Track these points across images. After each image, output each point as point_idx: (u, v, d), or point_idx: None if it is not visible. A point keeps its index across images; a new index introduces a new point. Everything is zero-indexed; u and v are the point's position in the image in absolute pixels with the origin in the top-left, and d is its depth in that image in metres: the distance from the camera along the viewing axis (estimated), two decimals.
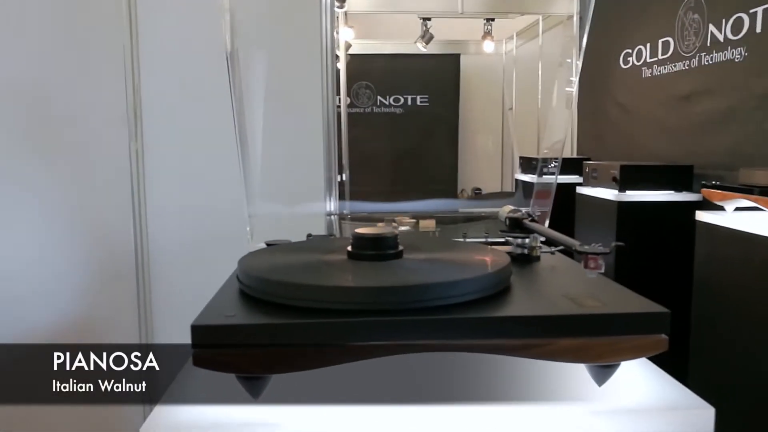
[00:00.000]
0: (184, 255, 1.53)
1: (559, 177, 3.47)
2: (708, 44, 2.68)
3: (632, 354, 0.70)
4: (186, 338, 0.86)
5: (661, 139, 3.08)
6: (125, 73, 1.48)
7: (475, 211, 1.18)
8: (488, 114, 5.22)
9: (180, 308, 1.54)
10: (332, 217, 1.27)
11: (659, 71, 3.06)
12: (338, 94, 4.28)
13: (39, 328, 1.45)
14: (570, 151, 3.78)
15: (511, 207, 0.99)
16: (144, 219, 1.48)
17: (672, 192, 2.68)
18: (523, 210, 0.97)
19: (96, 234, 1.51)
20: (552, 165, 1.32)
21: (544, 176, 3.47)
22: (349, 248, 0.83)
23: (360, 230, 0.84)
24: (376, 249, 0.81)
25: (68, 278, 1.52)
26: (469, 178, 5.20)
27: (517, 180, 3.72)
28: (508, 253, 0.97)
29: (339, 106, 4.22)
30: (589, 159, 3.63)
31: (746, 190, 1.90)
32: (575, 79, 1.16)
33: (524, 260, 0.94)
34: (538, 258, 0.94)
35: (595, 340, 0.69)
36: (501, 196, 4.53)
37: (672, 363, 2.25)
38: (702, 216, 1.99)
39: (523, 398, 0.73)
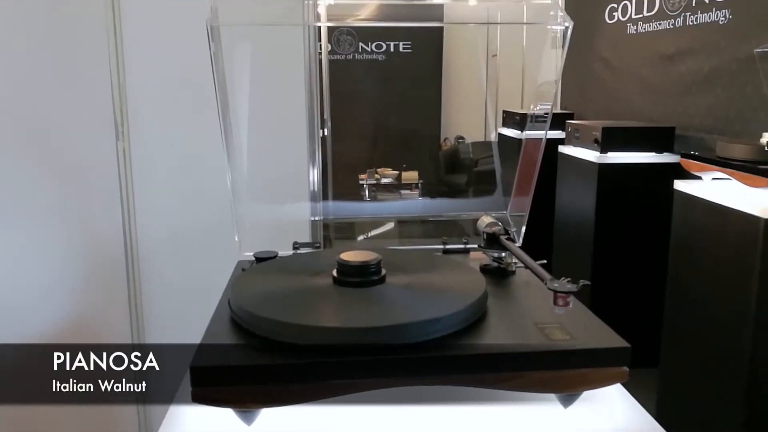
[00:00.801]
0: (173, 252, 1.56)
1: (540, 132, 3.46)
2: (693, 4, 2.67)
3: (596, 384, 0.76)
4: (179, 337, 0.91)
5: (643, 98, 3.10)
6: (110, 73, 1.46)
7: (455, 215, 1.21)
8: (472, 60, 5.16)
9: (171, 306, 1.57)
10: (317, 221, 1.30)
11: (644, 28, 3.05)
12: (319, 40, 4.20)
13: (30, 329, 1.48)
14: (553, 105, 3.79)
15: (489, 220, 1.03)
16: (133, 218, 1.50)
17: (653, 154, 2.72)
18: (501, 225, 1.01)
19: (85, 235, 1.52)
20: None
21: (530, 131, 3.46)
22: (335, 273, 0.87)
23: (345, 256, 0.87)
24: (360, 276, 0.86)
25: (58, 279, 1.54)
26: (453, 126, 5.19)
27: (499, 134, 3.74)
28: (485, 266, 1.02)
29: (320, 53, 4.15)
30: (571, 114, 3.64)
31: (722, 163, 1.95)
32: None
33: (500, 274, 0.99)
34: (513, 272, 0.99)
35: (562, 373, 0.75)
36: (483, 146, 4.54)
37: (648, 322, 2.34)
38: (680, 185, 2.03)
39: (482, 413, 0.79)
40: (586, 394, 0.78)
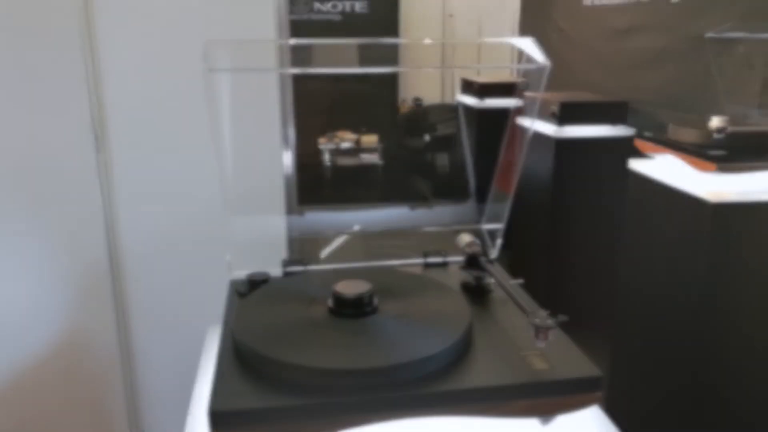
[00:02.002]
0: (158, 264, 1.56)
1: (499, 101, 3.51)
2: None
3: (573, 408, 0.85)
4: (166, 349, 0.95)
5: (597, 71, 3.19)
6: (88, 85, 1.43)
7: (431, 229, 1.27)
8: (429, 21, 5.16)
9: (158, 316, 1.59)
10: (296, 236, 1.34)
11: (600, 1, 3.11)
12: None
13: (21, 349, 1.49)
14: (511, 73, 3.85)
15: (468, 239, 1.09)
16: (116, 230, 1.50)
17: (608, 126, 2.83)
18: (479, 245, 1.08)
19: (68, 251, 1.52)
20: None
21: (486, 100, 3.50)
22: (331, 304, 0.93)
23: (340, 288, 0.93)
24: (355, 308, 0.92)
25: (44, 297, 1.54)
26: (411, 88, 5.21)
27: (458, 102, 3.79)
28: (465, 283, 1.09)
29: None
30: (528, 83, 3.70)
31: (674, 145, 2.05)
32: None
33: (479, 292, 1.06)
34: (491, 290, 1.06)
35: (542, 400, 0.84)
36: (443, 109, 4.58)
37: (604, 283, 2.43)
38: (634, 165, 2.12)
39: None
40: None
